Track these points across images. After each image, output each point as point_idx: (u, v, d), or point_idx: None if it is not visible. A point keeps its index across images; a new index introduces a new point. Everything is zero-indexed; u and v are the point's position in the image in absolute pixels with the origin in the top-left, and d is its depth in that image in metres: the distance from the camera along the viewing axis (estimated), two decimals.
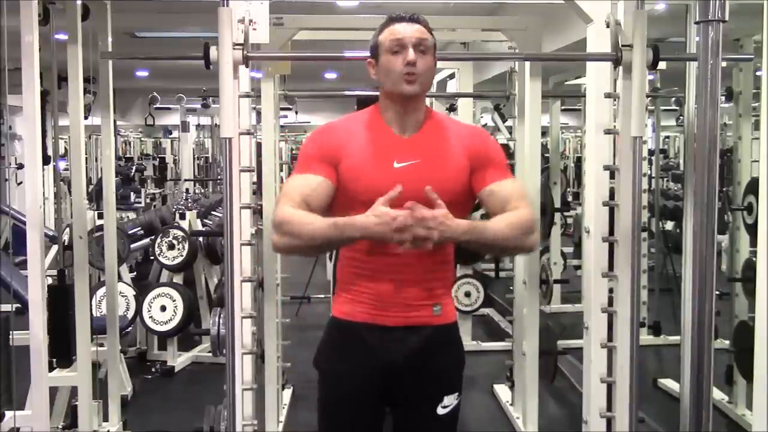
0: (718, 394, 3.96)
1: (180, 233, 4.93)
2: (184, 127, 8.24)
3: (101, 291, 4.10)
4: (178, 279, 5.04)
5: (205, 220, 5.85)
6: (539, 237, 1.94)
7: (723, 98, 3.15)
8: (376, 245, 1.82)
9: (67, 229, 3.69)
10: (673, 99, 6.17)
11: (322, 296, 6.59)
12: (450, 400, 1.92)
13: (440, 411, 1.91)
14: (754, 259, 2.78)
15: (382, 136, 1.88)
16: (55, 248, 4.61)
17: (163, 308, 4.69)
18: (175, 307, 4.69)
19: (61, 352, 2.95)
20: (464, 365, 2.01)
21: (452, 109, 7.10)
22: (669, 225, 7.33)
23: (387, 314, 1.87)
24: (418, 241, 1.70)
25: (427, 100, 6.97)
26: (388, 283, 1.84)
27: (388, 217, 1.69)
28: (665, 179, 10.52)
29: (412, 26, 1.85)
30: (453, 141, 1.90)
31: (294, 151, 17.93)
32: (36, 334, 2.40)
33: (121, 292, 4.32)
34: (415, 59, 1.81)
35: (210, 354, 4.17)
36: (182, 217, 5.25)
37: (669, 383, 4.35)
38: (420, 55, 1.83)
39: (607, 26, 2.13)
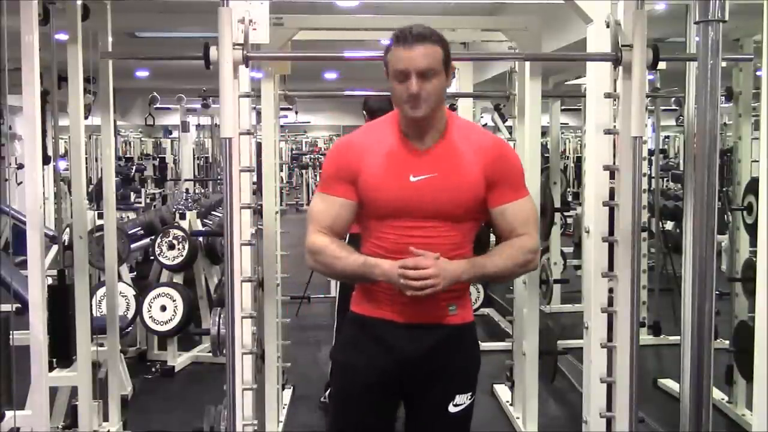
0: (718, 394, 3.96)
1: (180, 233, 4.92)
2: (184, 127, 8.22)
3: (101, 291, 4.10)
4: (178, 279, 5.04)
5: (205, 220, 5.84)
6: (538, 259, 2.03)
7: (723, 98, 3.14)
8: (392, 252, 1.87)
9: (67, 229, 3.69)
10: (673, 99, 6.16)
11: (322, 296, 6.58)
12: (462, 399, 1.97)
13: (452, 409, 1.95)
14: (754, 259, 2.78)
15: (399, 148, 1.90)
16: (55, 248, 4.60)
17: (163, 308, 4.68)
18: (175, 307, 4.69)
19: (61, 352, 2.95)
20: (479, 366, 2.07)
21: (452, 109, 7.10)
22: (669, 225, 7.33)
23: (403, 312, 1.91)
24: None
25: None
26: None
27: (407, 277, 1.79)
28: (665, 179, 10.53)
29: (417, 50, 1.79)
30: (472, 154, 1.90)
31: (294, 151, 17.97)
32: (36, 334, 2.40)
33: (121, 292, 4.32)
34: (417, 91, 1.79)
35: (210, 354, 4.16)
36: (182, 217, 5.24)
37: (669, 383, 4.35)
38: (425, 81, 1.80)
39: (607, 26, 2.13)
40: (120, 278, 4.26)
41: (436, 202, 1.86)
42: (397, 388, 1.97)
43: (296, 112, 9.37)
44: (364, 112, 3.95)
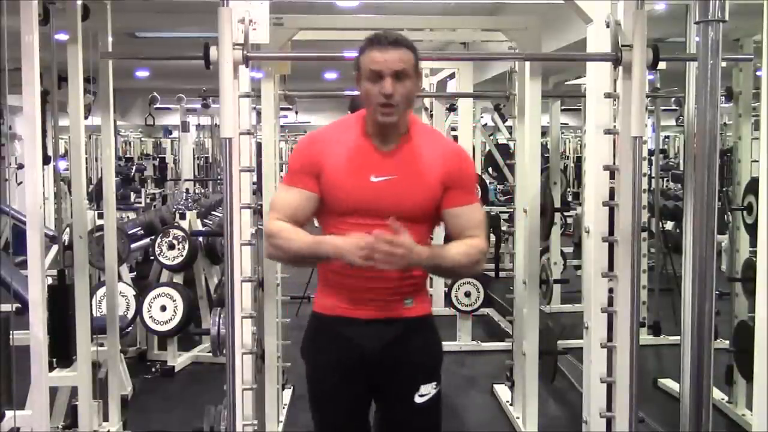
0: (718, 394, 3.95)
1: (180, 233, 4.92)
2: (184, 127, 8.22)
3: (101, 291, 4.10)
4: (178, 279, 5.04)
5: (205, 220, 5.84)
6: (485, 261, 2.08)
7: (723, 98, 3.14)
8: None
9: (67, 229, 3.69)
10: (673, 99, 6.16)
11: None
12: (427, 389, 2.01)
13: (417, 399, 2.00)
14: (754, 259, 2.78)
15: (362, 148, 1.96)
16: (55, 248, 4.60)
17: (163, 308, 4.68)
18: (175, 307, 4.69)
19: (61, 352, 2.95)
20: (441, 356, 2.12)
21: (452, 109, 7.11)
22: (669, 225, 7.33)
23: (361, 308, 1.97)
24: (385, 264, 1.80)
25: (427, 101, 6.96)
26: (362, 280, 1.93)
27: (356, 243, 1.81)
28: (665, 179, 10.53)
29: (392, 53, 1.86)
30: (431, 158, 1.97)
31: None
32: (36, 334, 2.40)
33: (121, 292, 4.32)
34: (391, 91, 1.86)
35: (210, 354, 4.17)
36: (182, 217, 5.24)
37: (669, 383, 4.35)
38: (398, 83, 1.87)
39: (607, 26, 2.13)
40: (120, 278, 4.26)
41: (395, 203, 1.91)
42: (364, 383, 2.01)
43: (296, 112, 9.37)
44: (350, 111, 3.94)
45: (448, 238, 2.04)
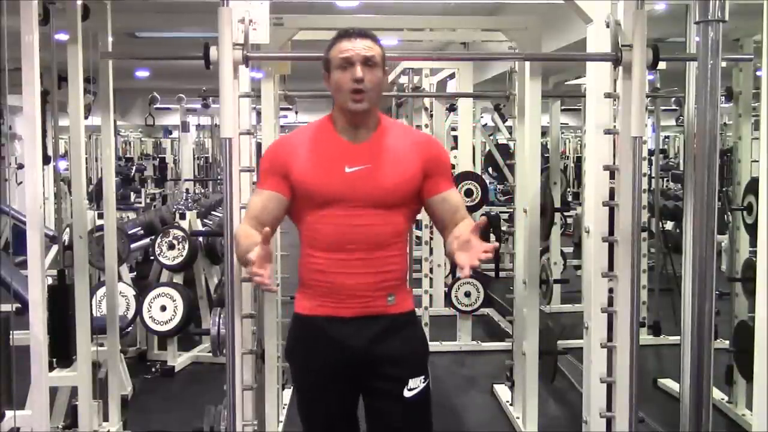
0: (718, 394, 3.95)
1: (180, 233, 4.92)
2: (184, 127, 8.23)
3: (101, 291, 4.10)
4: (178, 279, 5.04)
5: (205, 220, 5.84)
6: None
7: (723, 98, 3.15)
8: (331, 243, 1.95)
9: (67, 229, 3.69)
10: (673, 99, 6.16)
11: None
12: (416, 383, 2.01)
13: (407, 394, 2.00)
14: (754, 259, 2.78)
15: (333, 144, 1.98)
16: (55, 248, 4.60)
17: (163, 308, 4.68)
18: (175, 307, 4.69)
19: (61, 352, 2.95)
20: (427, 350, 2.15)
21: (452, 109, 7.11)
22: (669, 225, 7.34)
23: (344, 306, 1.97)
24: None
25: (427, 101, 6.95)
26: (343, 277, 1.95)
27: (246, 257, 1.82)
28: (665, 179, 10.54)
29: (360, 42, 1.92)
30: (405, 147, 2.00)
31: None
32: (36, 334, 2.40)
33: (121, 292, 4.32)
34: (362, 76, 1.90)
35: (210, 354, 4.17)
36: (182, 217, 5.24)
37: (669, 383, 4.35)
38: (368, 70, 1.91)
39: (607, 26, 2.13)
40: (120, 278, 4.26)
41: (371, 191, 1.93)
42: (351, 381, 2.02)
43: (296, 112, 9.37)
44: None
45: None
